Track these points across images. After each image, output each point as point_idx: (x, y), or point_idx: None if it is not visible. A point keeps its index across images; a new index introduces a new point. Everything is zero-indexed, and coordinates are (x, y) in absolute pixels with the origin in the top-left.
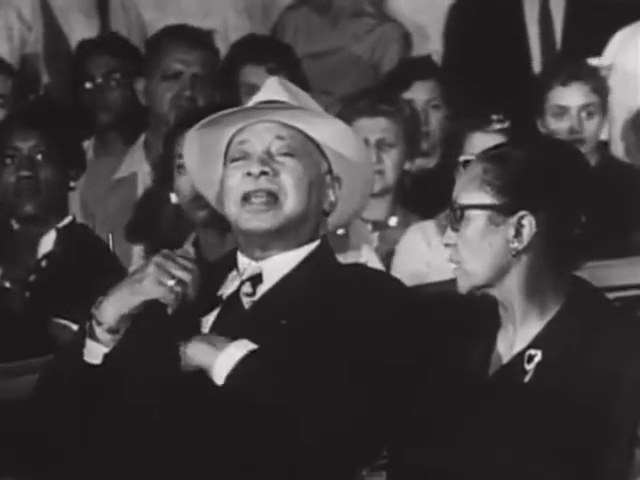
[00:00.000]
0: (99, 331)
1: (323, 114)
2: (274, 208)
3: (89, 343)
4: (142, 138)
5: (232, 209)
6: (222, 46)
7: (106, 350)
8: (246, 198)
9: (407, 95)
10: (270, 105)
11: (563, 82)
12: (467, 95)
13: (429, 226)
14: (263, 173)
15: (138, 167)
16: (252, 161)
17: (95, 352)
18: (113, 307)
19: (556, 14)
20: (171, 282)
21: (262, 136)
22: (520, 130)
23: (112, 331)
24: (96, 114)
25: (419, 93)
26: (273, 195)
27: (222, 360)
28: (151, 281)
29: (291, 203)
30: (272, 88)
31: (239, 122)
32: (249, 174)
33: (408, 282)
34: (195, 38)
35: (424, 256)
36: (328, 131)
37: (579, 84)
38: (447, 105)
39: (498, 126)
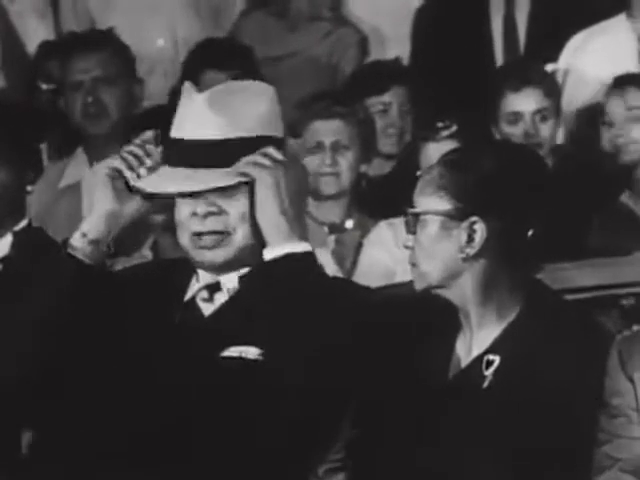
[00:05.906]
0: (80, 242)
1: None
2: (225, 243)
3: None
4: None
5: (184, 242)
6: (170, 46)
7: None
8: (196, 234)
9: (384, 99)
10: (197, 185)
11: (515, 88)
12: (424, 101)
13: (399, 224)
14: (210, 214)
15: (83, 174)
16: (197, 200)
17: None
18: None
19: (520, 20)
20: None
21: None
22: (473, 135)
23: (93, 242)
24: (52, 116)
25: (396, 96)
26: (222, 233)
27: None
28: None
29: (240, 237)
30: (199, 115)
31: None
32: (195, 214)
33: (375, 274)
34: (91, 41)
35: (392, 252)
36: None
37: (531, 89)
38: (414, 109)
39: (446, 133)
